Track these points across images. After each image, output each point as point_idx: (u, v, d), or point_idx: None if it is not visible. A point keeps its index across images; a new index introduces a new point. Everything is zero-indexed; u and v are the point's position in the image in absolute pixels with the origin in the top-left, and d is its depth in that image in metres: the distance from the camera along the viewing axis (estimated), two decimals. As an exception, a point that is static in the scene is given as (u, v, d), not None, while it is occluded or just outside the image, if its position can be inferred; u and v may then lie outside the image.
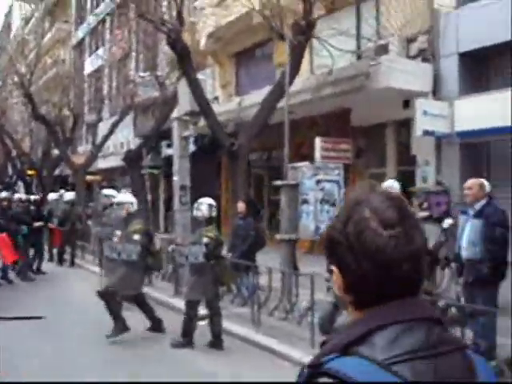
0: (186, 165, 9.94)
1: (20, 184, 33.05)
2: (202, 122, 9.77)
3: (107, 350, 6.82)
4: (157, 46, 20.76)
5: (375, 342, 0.96)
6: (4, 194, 13.71)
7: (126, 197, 7.67)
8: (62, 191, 21.81)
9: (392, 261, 0.99)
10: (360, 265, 1.00)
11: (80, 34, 36.26)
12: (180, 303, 7.75)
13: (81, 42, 35.84)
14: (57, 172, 27.46)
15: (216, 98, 15.30)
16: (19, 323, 7.51)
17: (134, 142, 25.63)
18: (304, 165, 7.51)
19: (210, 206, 6.72)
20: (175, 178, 10.02)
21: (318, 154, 10.63)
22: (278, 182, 7.58)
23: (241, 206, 8.44)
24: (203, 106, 8.69)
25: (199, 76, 12.34)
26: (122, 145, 26.84)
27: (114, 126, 17.59)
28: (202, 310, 6.97)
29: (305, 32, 8.73)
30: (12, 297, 10.34)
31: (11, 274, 11.80)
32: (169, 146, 19.64)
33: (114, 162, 26.82)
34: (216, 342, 6.68)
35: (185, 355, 6.48)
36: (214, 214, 6.79)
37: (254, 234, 8.31)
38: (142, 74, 24.13)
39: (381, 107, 12.03)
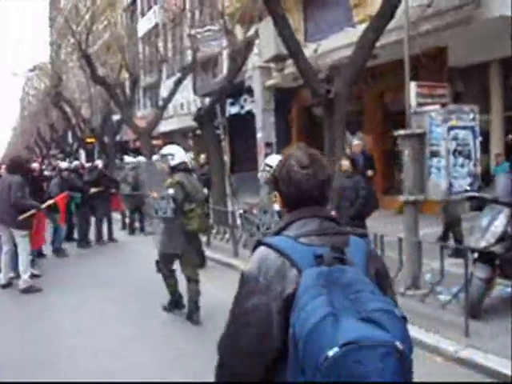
0: (271, 119, 8.78)
1: (81, 152, 32.92)
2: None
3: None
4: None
5: (291, 227, 1.72)
6: (65, 165, 13.11)
7: (168, 149, 6.91)
8: (126, 157, 21.27)
9: (306, 187, 1.75)
10: (289, 190, 1.78)
11: (130, -6, 35.29)
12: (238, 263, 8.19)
13: (132, 4, 34.86)
14: (117, 138, 26.93)
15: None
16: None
17: (194, 103, 24.72)
18: (433, 109, 6.18)
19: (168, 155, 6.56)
20: (259, 135, 8.88)
21: (413, 101, 9.10)
22: (401, 132, 6.28)
23: (345, 163, 7.26)
24: (293, 47, 7.40)
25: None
26: (182, 106, 25.96)
27: (177, 84, 16.51)
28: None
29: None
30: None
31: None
32: (232, 104, 18.53)
33: (175, 124, 26.08)
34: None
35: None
36: (175, 162, 6.48)
37: (364, 193, 7.14)
38: (199, 29, 22.97)
39: (485, 43, 10.43)
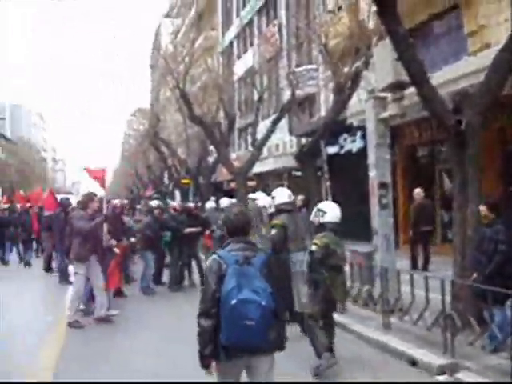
0: (386, 156, 7.70)
1: (176, 192, 33.22)
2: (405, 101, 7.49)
3: None
4: (311, 39, 18.84)
5: (229, 246, 3.69)
6: (156, 203, 12.95)
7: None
8: (212, 198, 20.92)
9: (237, 224, 3.76)
10: (228, 227, 3.82)
11: (227, 38, 35.93)
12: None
13: (229, 47, 35.43)
14: (211, 179, 26.81)
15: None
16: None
17: (290, 143, 24.11)
18: None
19: (319, 210, 6.33)
20: (371, 174, 7.82)
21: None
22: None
23: (483, 209, 6.02)
24: (417, 72, 6.39)
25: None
26: (277, 147, 25.41)
27: (275, 123, 15.91)
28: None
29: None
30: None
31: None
32: (331, 143, 17.60)
33: (270, 165, 25.52)
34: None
35: None
36: (325, 219, 6.21)
37: (503, 249, 5.80)
38: (296, 69, 22.53)
39: None
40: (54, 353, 6.92)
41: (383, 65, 7.23)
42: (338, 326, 7.70)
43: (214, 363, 3.57)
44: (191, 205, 14.01)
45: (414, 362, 6.00)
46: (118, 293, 10.22)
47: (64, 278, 12.20)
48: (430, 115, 6.67)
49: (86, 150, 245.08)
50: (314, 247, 6.02)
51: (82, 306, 8.88)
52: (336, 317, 7.84)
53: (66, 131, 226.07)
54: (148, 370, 6.03)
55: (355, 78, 10.28)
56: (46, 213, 14.81)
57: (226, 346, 3.45)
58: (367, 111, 7.75)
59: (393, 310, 7.35)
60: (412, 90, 7.17)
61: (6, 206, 20.03)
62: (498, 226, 5.99)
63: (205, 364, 3.57)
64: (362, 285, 8.56)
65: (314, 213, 6.40)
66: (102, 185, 9.48)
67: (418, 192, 12.22)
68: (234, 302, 3.35)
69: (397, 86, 7.16)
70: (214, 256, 3.63)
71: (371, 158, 7.75)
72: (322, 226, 6.18)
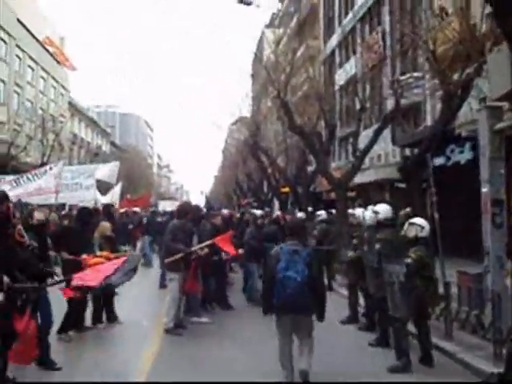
0: (500, 170, 7.07)
1: (275, 201, 33.30)
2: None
3: None
4: (416, 45, 18.07)
5: (287, 242, 5.98)
6: (259, 212, 12.82)
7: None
8: (310, 208, 20.60)
9: (293, 228, 6.19)
10: (287, 230, 6.41)
11: (329, 47, 35.61)
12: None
13: (330, 56, 35.09)
14: (310, 189, 26.55)
15: None
16: None
17: (393, 154, 23.30)
18: None
19: (415, 224, 7.01)
20: (484, 190, 7.22)
21: None
22: None
23: None
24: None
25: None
26: (380, 157, 24.67)
27: (377, 133, 15.37)
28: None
29: None
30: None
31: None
32: (437, 155, 16.72)
33: (371, 176, 24.81)
34: (426, 358, 6.78)
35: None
36: (423, 234, 6.96)
37: None
38: (401, 77, 21.75)
39: None
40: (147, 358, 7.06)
41: (499, 72, 6.65)
42: (445, 353, 7.19)
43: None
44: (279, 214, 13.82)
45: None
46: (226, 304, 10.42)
47: (162, 283, 12.43)
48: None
49: (190, 158, 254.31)
50: (409, 260, 6.65)
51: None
52: (442, 343, 7.35)
53: (172, 138, 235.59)
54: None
55: (466, 86, 9.62)
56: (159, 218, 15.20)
57: (276, 306, 5.65)
58: (480, 121, 7.16)
59: (505, 340, 6.70)
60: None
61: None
62: None
63: (265, 312, 5.91)
64: (471, 309, 7.94)
65: (408, 227, 7.01)
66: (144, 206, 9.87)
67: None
68: (280, 276, 5.57)
69: (514, 96, 6.56)
70: (276, 247, 6.05)
71: (484, 172, 7.15)
72: (416, 240, 6.85)
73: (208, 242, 9.00)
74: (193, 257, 8.66)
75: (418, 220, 7.11)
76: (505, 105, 6.90)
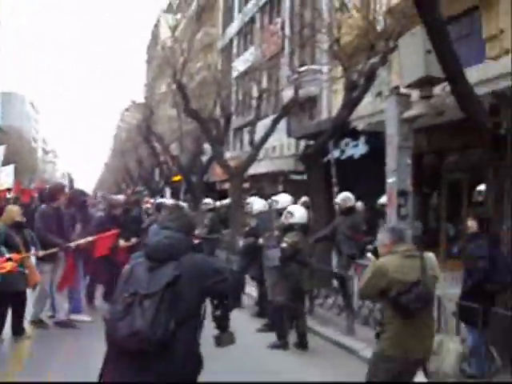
0: (407, 160, 6.83)
1: (167, 190, 32.23)
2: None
3: None
4: (318, 32, 17.95)
5: None
6: (171, 202, 12.72)
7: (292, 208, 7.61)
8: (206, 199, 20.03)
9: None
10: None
11: (227, 36, 35.05)
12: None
13: (229, 44, 34.55)
14: (204, 179, 25.87)
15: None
16: None
17: (288, 145, 23.19)
18: None
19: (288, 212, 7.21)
20: (389, 180, 6.95)
21: None
22: None
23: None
24: (453, 66, 5.53)
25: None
26: (274, 149, 24.50)
27: (275, 122, 15.00)
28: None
29: None
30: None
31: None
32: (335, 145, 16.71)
33: (266, 167, 24.58)
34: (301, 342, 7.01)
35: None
36: (294, 220, 7.15)
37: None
38: (298, 69, 21.65)
39: None
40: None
41: (411, 57, 6.36)
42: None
43: None
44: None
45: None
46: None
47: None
48: (465, 115, 5.79)
49: (78, 143, 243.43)
50: (284, 245, 6.90)
51: None
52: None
53: (59, 122, 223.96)
54: None
55: (369, 76, 9.41)
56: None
57: None
58: (388, 110, 6.88)
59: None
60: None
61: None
62: (479, 241, 5.40)
63: None
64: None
65: (284, 215, 7.23)
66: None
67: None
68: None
69: (426, 82, 6.29)
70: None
71: (390, 162, 6.87)
72: (290, 226, 7.08)
73: (90, 239, 8.05)
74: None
75: (291, 207, 7.44)
76: (411, 93, 6.67)
